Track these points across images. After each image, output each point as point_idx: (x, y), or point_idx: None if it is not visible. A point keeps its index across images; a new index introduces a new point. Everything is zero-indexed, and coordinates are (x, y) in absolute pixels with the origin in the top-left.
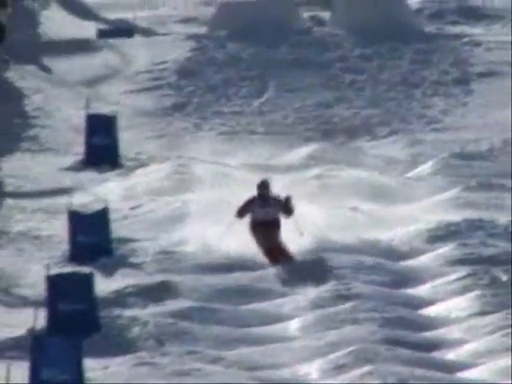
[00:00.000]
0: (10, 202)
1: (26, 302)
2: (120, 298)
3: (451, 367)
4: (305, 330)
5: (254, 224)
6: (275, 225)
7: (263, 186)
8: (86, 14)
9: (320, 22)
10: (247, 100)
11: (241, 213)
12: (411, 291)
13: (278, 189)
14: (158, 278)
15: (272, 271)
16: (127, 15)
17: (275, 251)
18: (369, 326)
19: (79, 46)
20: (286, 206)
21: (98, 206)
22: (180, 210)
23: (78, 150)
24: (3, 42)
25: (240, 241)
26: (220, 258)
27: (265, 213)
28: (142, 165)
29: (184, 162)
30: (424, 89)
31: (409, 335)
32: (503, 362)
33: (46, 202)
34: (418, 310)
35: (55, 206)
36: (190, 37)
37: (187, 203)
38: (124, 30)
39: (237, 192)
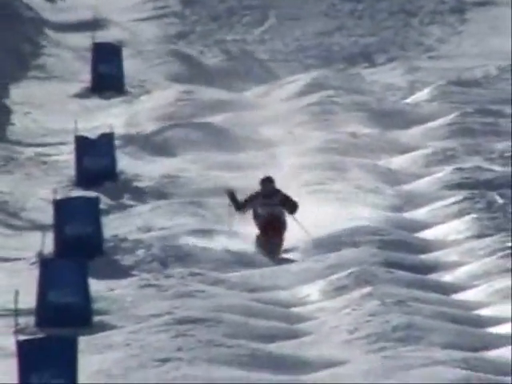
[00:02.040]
0: (18, 127)
1: (33, 226)
2: (124, 222)
3: (448, 289)
4: (305, 252)
5: (257, 215)
6: (280, 223)
7: (267, 182)
8: None
9: None
10: (249, 28)
11: (243, 208)
12: (409, 215)
13: (282, 115)
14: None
15: None
16: None
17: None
18: (368, 248)
19: None
20: (293, 205)
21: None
22: (184, 136)
23: (85, 77)
24: None
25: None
26: (220, 183)
27: (268, 210)
28: (147, 91)
29: (188, 88)
30: (421, 17)
31: (407, 257)
32: (499, 283)
33: (53, 127)
34: (416, 233)
35: (63, 132)
36: None
37: (191, 129)
38: None
39: (243, 115)
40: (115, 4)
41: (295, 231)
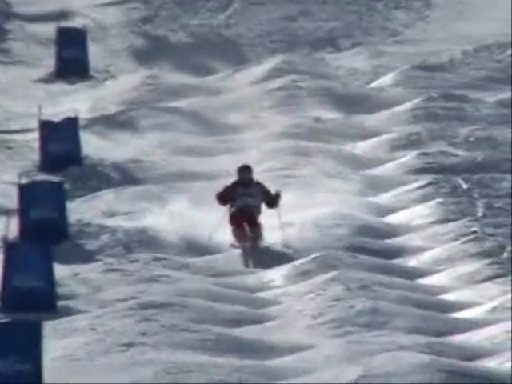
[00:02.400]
0: None
1: None
2: (89, 207)
3: (412, 273)
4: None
5: (234, 215)
6: (256, 210)
7: (245, 171)
8: None
9: None
10: (214, 13)
11: (222, 200)
12: (374, 199)
13: (247, 100)
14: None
15: None
16: None
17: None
18: (333, 233)
19: None
20: (273, 201)
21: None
22: (150, 120)
23: (49, 63)
24: None
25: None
26: (188, 167)
27: (244, 201)
28: (112, 76)
29: (153, 73)
30: (386, 2)
31: (371, 242)
32: (463, 268)
33: (18, 112)
34: (380, 218)
35: (28, 117)
36: None
37: (157, 112)
38: None
39: (209, 99)
40: None
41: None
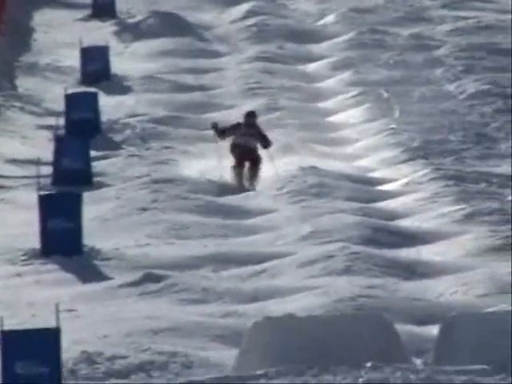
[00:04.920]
0: (39, 41)
1: (50, 113)
2: (116, 109)
3: (349, 157)
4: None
5: (233, 146)
6: (252, 151)
7: (251, 116)
8: None
9: None
10: None
11: (223, 134)
12: (321, 105)
13: (230, 33)
14: None
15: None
16: None
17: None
18: (290, 129)
19: None
20: (267, 144)
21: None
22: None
23: (87, 6)
24: None
25: None
26: (186, 81)
27: (246, 139)
28: (131, 16)
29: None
30: None
31: (319, 135)
32: (384, 154)
33: (63, 42)
34: (326, 118)
35: (71, 46)
36: None
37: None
38: None
39: (201, 33)
40: None
41: None
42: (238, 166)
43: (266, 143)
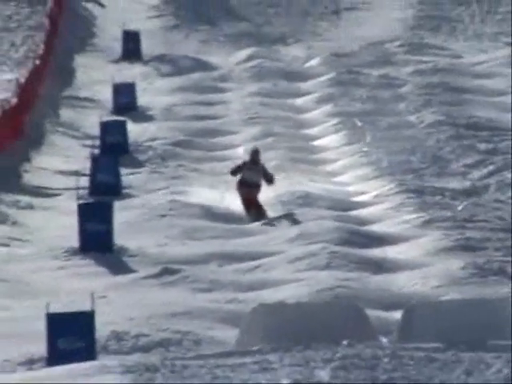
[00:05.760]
0: (79, 79)
1: (88, 136)
2: (140, 134)
3: (330, 174)
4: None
5: (240, 183)
6: (256, 186)
7: (255, 153)
8: None
9: None
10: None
11: (233, 173)
12: (307, 131)
13: (234, 73)
14: None
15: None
16: None
17: (251, 202)
18: (282, 151)
19: None
20: (270, 179)
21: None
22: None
23: (118, 51)
24: None
25: None
26: (199, 112)
27: (251, 175)
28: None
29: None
30: (314, 17)
31: (306, 156)
32: (359, 172)
33: (98, 80)
34: (311, 142)
35: (104, 82)
36: None
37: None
38: None
39: (211, 73)
40: None
41: None
42: (244, 200)
43: (269, 179)
